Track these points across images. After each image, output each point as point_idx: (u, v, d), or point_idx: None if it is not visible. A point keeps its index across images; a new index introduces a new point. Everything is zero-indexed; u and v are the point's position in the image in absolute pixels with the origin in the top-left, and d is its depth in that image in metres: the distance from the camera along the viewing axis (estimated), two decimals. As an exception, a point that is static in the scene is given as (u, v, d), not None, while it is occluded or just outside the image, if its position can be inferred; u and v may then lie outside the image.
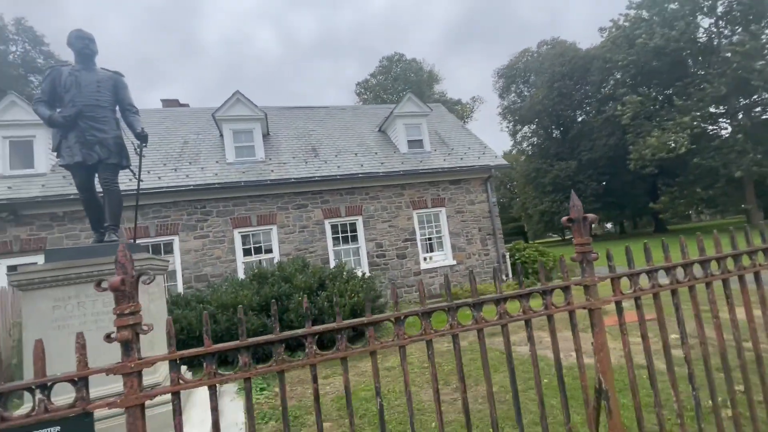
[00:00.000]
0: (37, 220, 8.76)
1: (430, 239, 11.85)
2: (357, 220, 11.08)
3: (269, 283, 6.75)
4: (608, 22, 33.25)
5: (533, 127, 41.03)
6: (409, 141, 12.33)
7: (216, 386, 1.47)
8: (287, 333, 1.54)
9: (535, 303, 2.08)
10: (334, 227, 10.91)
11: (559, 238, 51.68)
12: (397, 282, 11.09)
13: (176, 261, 9.56)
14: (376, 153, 12.01)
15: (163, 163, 10.23)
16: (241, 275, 9.55)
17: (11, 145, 9.15)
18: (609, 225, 63.16)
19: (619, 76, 32.60)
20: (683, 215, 38.18)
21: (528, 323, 2.07)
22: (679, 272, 2.46)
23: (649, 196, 33.91)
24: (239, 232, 10.09)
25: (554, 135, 40.09)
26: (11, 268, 8.61)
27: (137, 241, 6.84)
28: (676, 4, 27.94)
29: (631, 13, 30.38)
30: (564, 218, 2.36)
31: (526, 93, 42.07)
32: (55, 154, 4.31)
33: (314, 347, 1.59)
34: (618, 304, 2.37)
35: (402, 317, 1.77)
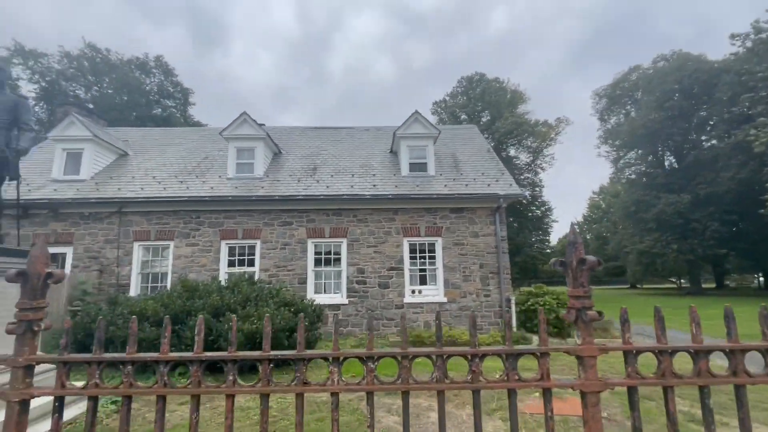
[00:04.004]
0: (69, 218, 10.55)
1: (422, 270, 10.80)
2: (342, 242, 10.71)
3: (182, 298, 6.87)
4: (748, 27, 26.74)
5: (639, 152, 35.08)
6: (411, 164, 11.58)
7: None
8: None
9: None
10: (317, 247, 10.73)
11: (674, 286, 42.52)
12: (375, 313, 10.32)
13: (169, 264, 10.49)
14: (374, 175, 11.56)
15: (174, 175, 11.46)
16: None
17: (67, 155, 11.30)
18: (761, 277, 49.50)
19: (764, 93, 25.84)
20: None
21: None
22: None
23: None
24: (226, 244, 10.63)
25: (665, 163, 33.65)
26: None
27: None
28: None
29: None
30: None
31: (633, 115, 36.41)
32: None
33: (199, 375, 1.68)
34: None
35: (341, 358, 1.67)
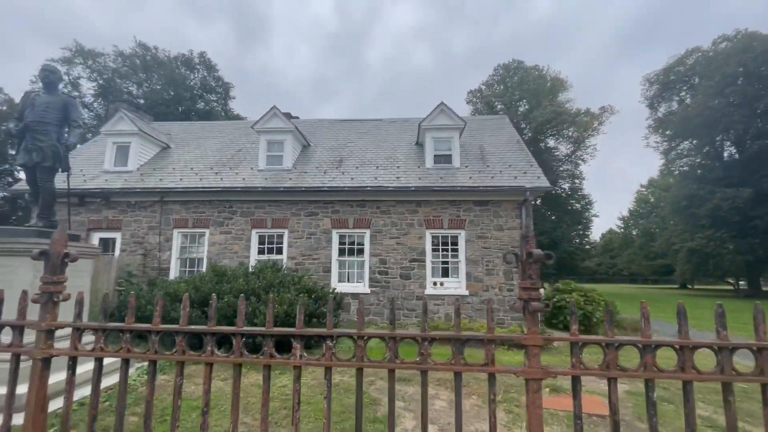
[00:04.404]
0: (119, 206, 11.52)
1: (445, 263, 10.81)
2: (365, 233, 10.94)
3: (212, 282, 7.39)
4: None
5: (694, 142, 32.48)
6: (436, 155, 11.53)
7: None
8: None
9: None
10: (341, 237, 11.03)
11: (730, 288, 39.28)
12: (396, 304, 10.48)
13: (204, 251, 11.22)
14: (398, 167, 11.64)
15: (210, 167, 12.15)
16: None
17: (117, 148, 12.31)
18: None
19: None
20: None
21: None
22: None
23: None
24: (256, 232, 11.18)
25: (724, 154, 30.96)
26: (102, 240, 11.55)
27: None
28: None
29: None
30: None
31: (688, 102, 33.68)
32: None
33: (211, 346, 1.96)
34: None
35: (335, 336, 1.83)
